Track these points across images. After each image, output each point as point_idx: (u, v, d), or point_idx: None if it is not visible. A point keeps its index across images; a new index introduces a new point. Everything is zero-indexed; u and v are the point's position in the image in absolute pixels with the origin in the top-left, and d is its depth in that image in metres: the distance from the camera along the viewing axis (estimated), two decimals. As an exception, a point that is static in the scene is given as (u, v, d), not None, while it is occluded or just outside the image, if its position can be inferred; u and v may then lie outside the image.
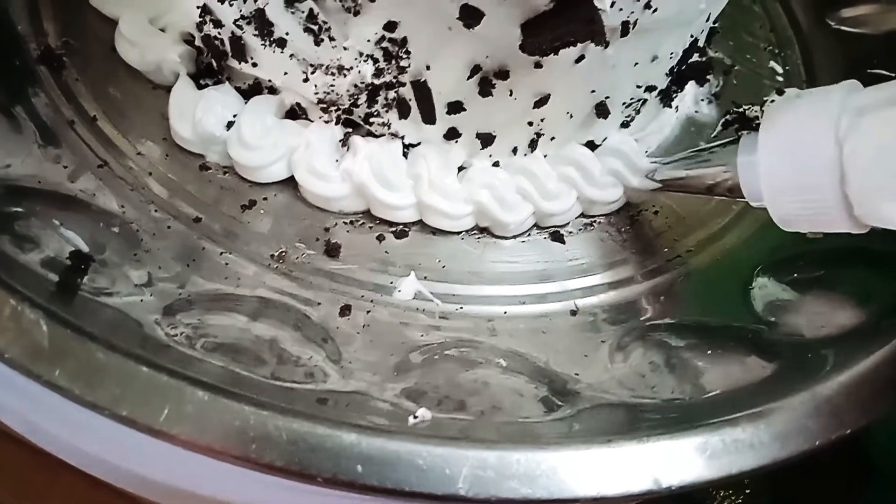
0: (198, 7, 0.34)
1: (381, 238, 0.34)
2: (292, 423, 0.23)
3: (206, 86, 0.35)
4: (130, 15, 0.35)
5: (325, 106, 0.33)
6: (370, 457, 0.23)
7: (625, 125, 0.37)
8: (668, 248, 0.37)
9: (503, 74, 0.31)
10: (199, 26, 0.34)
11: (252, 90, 0.35)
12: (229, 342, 0.28)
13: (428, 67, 0.31)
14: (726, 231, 0.37)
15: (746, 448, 0.26)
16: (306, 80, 0.33)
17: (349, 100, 0.33)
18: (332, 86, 0.33)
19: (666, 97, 0.38)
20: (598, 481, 0.24)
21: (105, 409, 0.23)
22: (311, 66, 0.33)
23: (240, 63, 0.34)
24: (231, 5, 0.33)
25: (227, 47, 0.34)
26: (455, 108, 0.33)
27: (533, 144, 0.35)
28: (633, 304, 0.35)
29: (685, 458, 0.25)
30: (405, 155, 0.34)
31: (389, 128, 0.34)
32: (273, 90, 0.35)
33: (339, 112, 0.34)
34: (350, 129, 0.34)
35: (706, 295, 0.35)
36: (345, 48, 0.31)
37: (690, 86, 0.40)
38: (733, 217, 0.38)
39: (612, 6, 0.29)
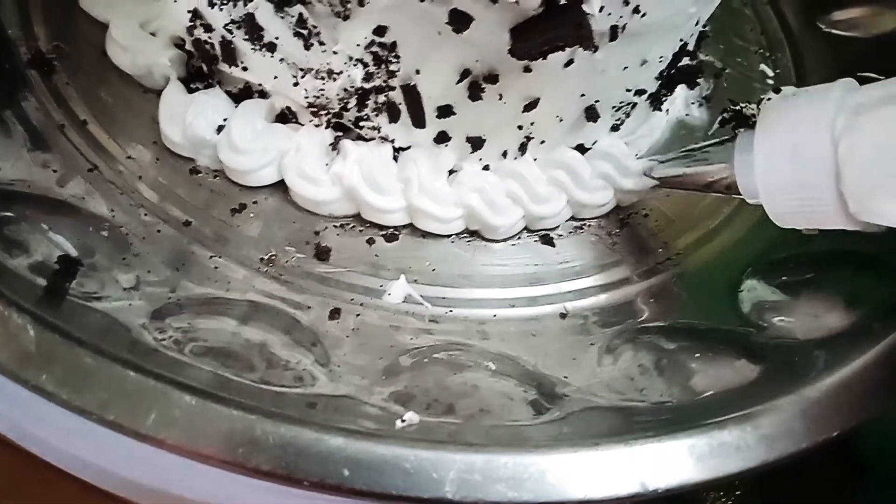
0: (188, 11, 0.34)
1: (371, 241, 0.34)
2: (279, 427, 0.23)
3: (197, 90, 0.35)
4: (121, 19, 0.36)
5: (315, 110, 0.34)
6: (357, 461, 0.23)
7: (615, 129, 0.37)
8: (657, 251, 0.37)
9: (493, 78, 0.31)
10: (190, 30, 0.34)
11: (242, 94, 0.35)
12: (219, 346, 0.28)
13: (417, 72, 0.31)
14: (716, 233, 0.37)
15: (733, 451, 0.26)
16: (296, 84, 0.33)
17: (339, 104, 0.33)
18: (321, 90, 0.33)
19: (656, 101, 0.38)
20: (586, 484, 0.24)
21: (92, 414, 0.23)
22: (301, 70, 0.33)
23: (230, 67, 0.34)
24: (221, 10, 0.33)
25: (218, 51, 0.34)
26: (445, 112, 0.33)
27: (523, 148, 0.35)
28: (624, 306, 0.35)
29: (672, 460, 0.25)
30: (395, 158, 0.34)
31: (379, 132, 0.34)
32: (263, 94, 0.35)
33: (330, 116, 0.34)
34: (340, 133, 0.34)
35: (696, 297, 0.35)
36: (334, 52, 0.31)
37: (681, 89, 0.41)
38: (723, 220, 0.38)
39: (600, 11, 0.29)
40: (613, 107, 0.36)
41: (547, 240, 0.36)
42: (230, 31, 0.33)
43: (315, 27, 0.31)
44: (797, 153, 0.28)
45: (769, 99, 0.30)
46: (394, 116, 0.33)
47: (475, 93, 0.32)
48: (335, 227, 0.34)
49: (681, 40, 0.36)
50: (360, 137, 0.34)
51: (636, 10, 0.30)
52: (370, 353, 0.30)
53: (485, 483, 0.24)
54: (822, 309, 0.34)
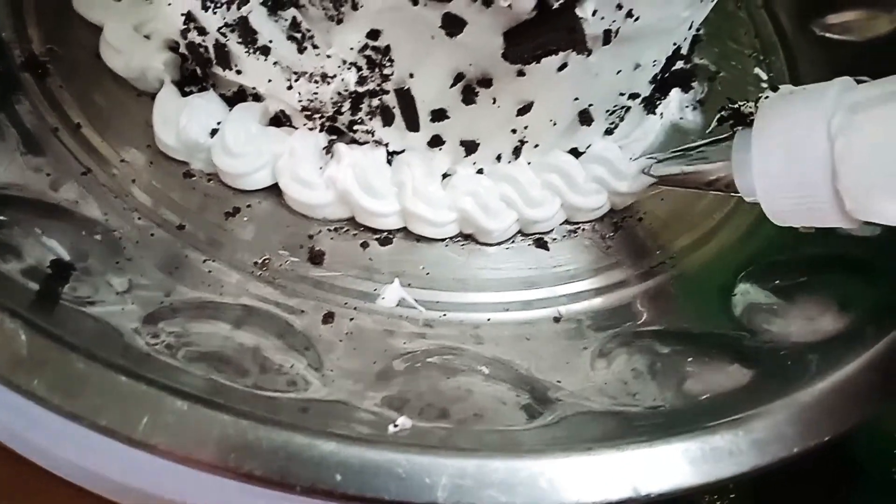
0: (182, 14, 0.34)
1: (365, 245, 0.34)
2: (271, 432, 0.23)
3: (191, 93, 0.35)
4: (115, 22, 0.36)
5: (309, 113, 0.34)
6: (349, 466, 0.23)
7: (609, 132, 0.37)
8: (651, 255, 0.37)
9: (486, 82, 0.31)
10: (184, 33, 0.34)
11: (236, 97, 0.35)
12: (212, 351, 0.28)
13: (411, 75, 0.31)
14: (710, 237, 0.38)
15: (725, 455, 0.26)
16: (290, 87, 0.33)
17: (333, 107, 0.33)
18: (315, 93, 0.33)
19: (650, 104, 0.38)
20: (578, 489, 0.24)
21: (85, 419, 0.23)
22: (295, 73, 0.33)
23: (224, 70, 0.34)
24: (215, 13, 0.33)
25: (212, 54, 0.34)
26: (439, 115, 0.33)
27: (517, 152, 0.35)
28: (617, 310, 0.35)
29: (664, 465, 0.25)
30: (389, 162, 0.34)
31: (373, 135, 0.34)
32: (257, 97, 0.35)
33: (323, 119, 0.34)
34: (334, 137, 0.34)
35: (689, 301, 0.35)
36: (328, 56, 0.31)
37: (675, 92, 0.41)
38: (716, 223, 0.38)
39: (593, 15, 0.29)
40: (607, 110, 0.36)
41: (541, 243, 0.36)
42: (224, 35, 0.33)
43: (309, 31, 0.31)
44: (794, 151, 0.27)
45: (766, 97, 0.29)
46: (388, 120, 0.33)
47: (469, 97, 0.32)
48: (329, 230, 0.34)
49: (674, 44, 0.36)
50: (354, 141, 0.34)
51: (629, 14, 0.30)
52: (363, 357, 0.30)
53: (477, 488, 0.24)
54: (816, 312, 0.34)
